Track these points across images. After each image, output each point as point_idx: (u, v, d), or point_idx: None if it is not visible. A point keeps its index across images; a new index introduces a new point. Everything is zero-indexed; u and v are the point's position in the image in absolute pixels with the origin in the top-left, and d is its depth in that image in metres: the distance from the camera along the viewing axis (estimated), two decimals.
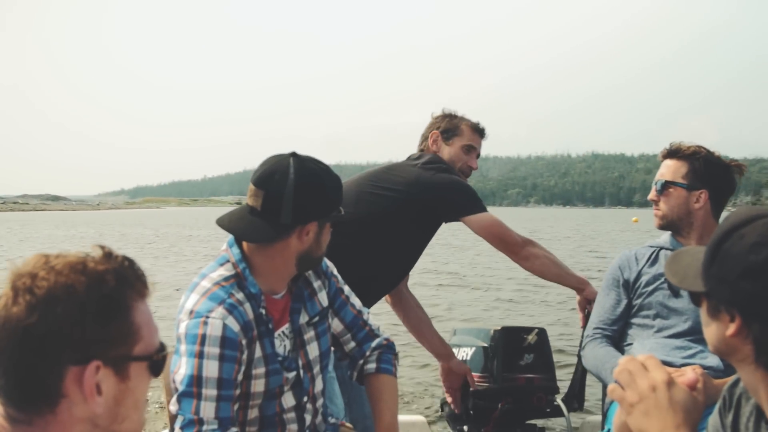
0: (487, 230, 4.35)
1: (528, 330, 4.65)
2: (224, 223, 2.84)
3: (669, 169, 3.79)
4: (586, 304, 4.34)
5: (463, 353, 4.71)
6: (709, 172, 3.73)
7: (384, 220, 4.28)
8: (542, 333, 4.67)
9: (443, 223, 4.51)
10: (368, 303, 4.30)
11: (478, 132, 4.66)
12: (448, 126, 4.62)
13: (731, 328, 1.72)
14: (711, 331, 1.81)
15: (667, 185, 3.77)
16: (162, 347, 1.69)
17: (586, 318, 4.29)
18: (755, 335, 1.68)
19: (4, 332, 1.51)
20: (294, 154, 2.80)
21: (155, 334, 1.67)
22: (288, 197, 2.71)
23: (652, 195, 3.84)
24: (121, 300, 1.59)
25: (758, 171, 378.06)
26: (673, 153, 3.80)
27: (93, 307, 1.54)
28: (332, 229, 2.91)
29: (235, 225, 2.81)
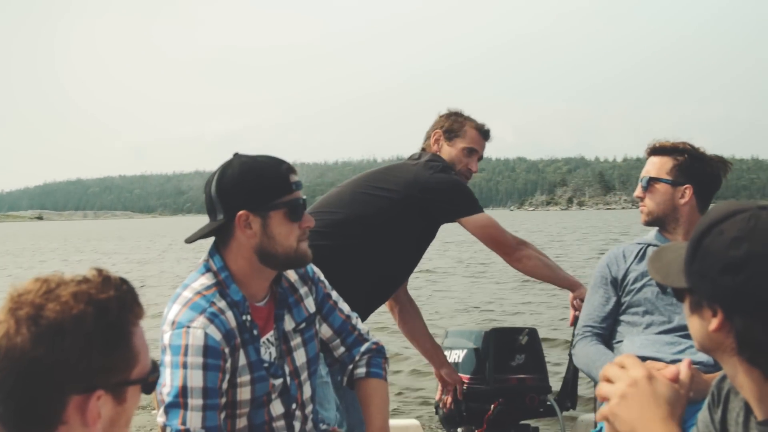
0: (483, 231, 4.36)
1: (519, 330, 4.66)
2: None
3: (654, 166, 3.81)
4: (579, 302, 4.32)
5: (455, 355, 4.71)
6: (693, 167, 3.75)
7: (380, 221, 4.24)
8: (533, 333, 4.68)
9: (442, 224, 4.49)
10: (370, 306, 4.32)
11: (482, 134, 4.63)
12: (452, 126, 4.57)
13: (714, 323, 1.71)
14: (694, 326, 1.81)
15: (652, 181, 3.79)
16: (155, 367, 1.68)
17: (576, 317, 4.29)
18: (737, 329, 1.68)
19: (6, 362, 1.49)
20: (235, 154, 2.83)
21: (148, 354, 1.66)
22: (214, 195, 2.75)
23: (638, 192, 3.86)
24: (124, 327, 1.58)
25: (553, 171, 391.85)
26: (658, 149, 3.82)
27: (99, 338, 1.52)
28: (304, 224, 2.83)
29: (191, 234, 2.86)
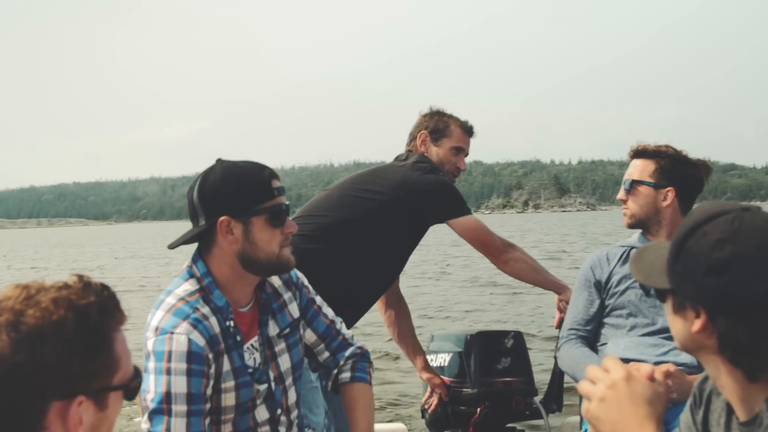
0: (471, 234, 4.36)
1: (504, 334, 4.66)
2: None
3: (636, 169, 3.81)
4: (565, 305, 4.32)
5: (441, 359, 4.71)
6: (675, 170, 3.76)
7: (369, 224, 4.23)
8: (518, 336, 4.68)
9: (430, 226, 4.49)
10: (360, 309, 4.33)
11: (467, 131, 4.62)
12: (437, 126, 4.56)
13: (697, 324, 1.73)
14: (677, 327, 1.82)
15: (634, 184, 3.79)
16: (137, 373, 1.68)
17: (562, 320, 4.31)
18: (721, 331, 1.69)
19: None
20: (217, 160, 2.83)
21: (130, 360, 1.66)
22: (196, 200, 2.75)
23: (621, 194, 3.87)
24: (104, 332, 1.57)
25: (509, 174, 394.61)
26: (641, 152, 3.83)
27: (80, 344, 1.51)
28: (287, 230, 2.82)
29: (174, 240, 2.86)
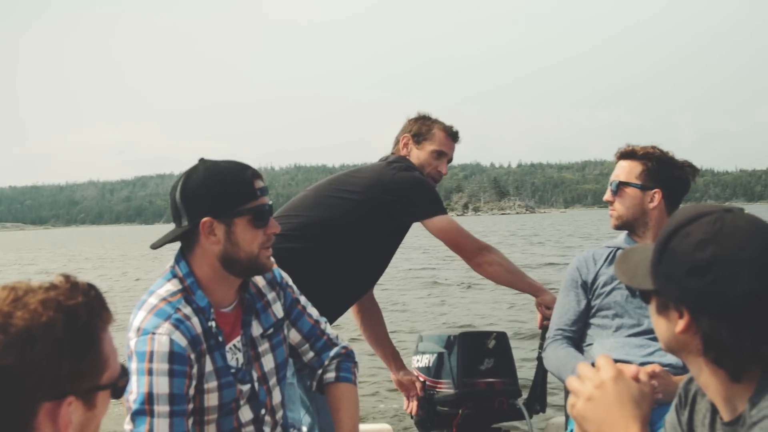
0: (445, 234, 4.33)
1: (488, 334, 4.63)
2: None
3: (623, 170, 3.81)
4: (544, 309, 4.34)
5: (426, 360, 4.70)
6: (662, 171, 3.75)
7: (345, 223, 4.22)
8: (502, 337, 4.65)
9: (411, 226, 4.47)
10: (338, 308, 4.31)
11: (451, 136, 4.59)
12: (420, 129, 4.54)
13: (680, 325, 1.75)
14: (661, 328, 1.84)
15: (621, 186, 3.78)
16: (124, 371, 1.68)
17: (543, 320, 4.33)
18: (704, 331, 1.71)
19: None
20: (200, 159, 2.82)
21: (117, 358, 1.66)
22: (179, 200, 2.74)
23: (607, 196, 3.86)
24: (93, 332, 1.57)
25: (449, 177, 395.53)
26: (628, 154, 3.82)
27: (69, 345, 1.51)
28: (269, 231, 2.81)
29: (157, 240, 2.85)
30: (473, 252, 4.35)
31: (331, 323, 4.02)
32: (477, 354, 4.55)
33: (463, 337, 4.58)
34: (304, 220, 4.22)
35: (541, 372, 4.47)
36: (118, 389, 1.65)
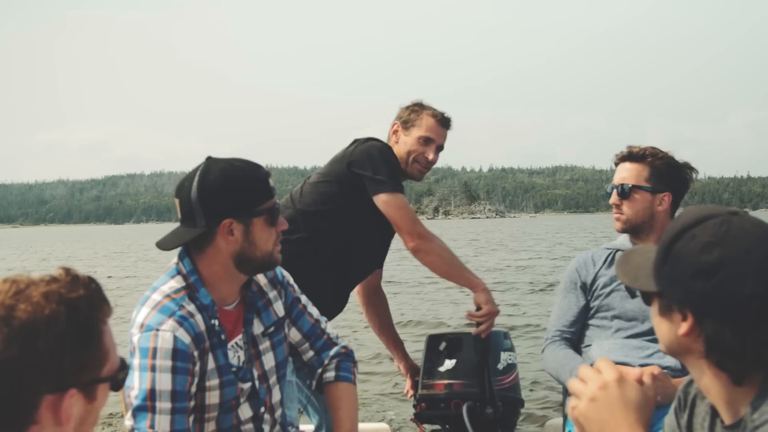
0: (389, 211, 4.17)
1: (451, 336, 4.52)
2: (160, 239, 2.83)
3: (631, 173, 3.75)
4: (473, 310, 4.21)
5: (418, 361, 4.71)
6: (671, 174, 3.73)
7: (326, 208, 4.21)
8: (467, 338, 4.45)
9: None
10: (333, 301, 4.29)
11: (441, 122, 4.48)
12: (409, 116, 4.47)
13: (683, 327, 1.74)
14: (663, 330, 1.83)
15: (633, 189, 3.72)
16: (123, 364, 1.68)
17: (475, 323, 4.20)
18: (707, 334, 1.70)
19: None
20: (208, 158, 2.80)
21: (117, 351, 1.66)
22: (195, 201, 2.70)
23: (614, 199, 3.78)
24: (94, 325, 1.57)
25: (420, 181, 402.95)
26: (633, 156, 3.77)
27: (71, 337, 1.50)
28: (279, 228, 2.82)
29: (163, 238, 2.81)
30: (412, 235, 4.19)
31: (331, 317, 4.01)
32: (437, 356, 4.48)
33: (429, 339, 4.56)
34: (292, 212, 4.21)
35: (486, 372, 4.29)
36: (117, 382, 1.65)
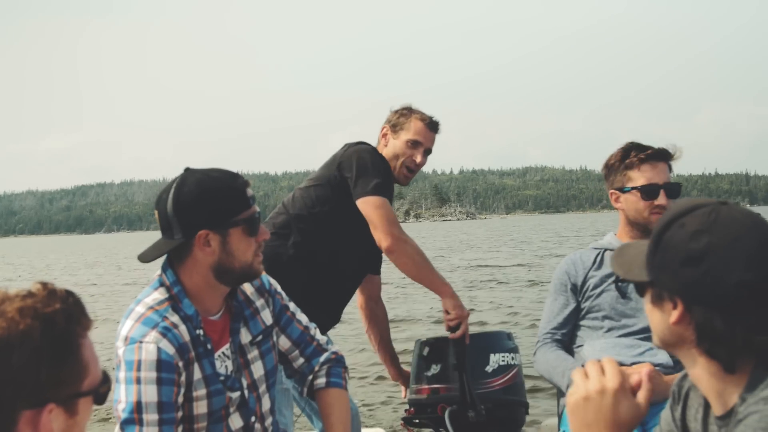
0: (367, 212, 4.18)
1: (441, 340, 4.47)
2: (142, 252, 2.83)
3: (665, 172, 3.70)
4: (445, 313, 4.25)
5: (409, 366, 4.71)
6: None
7: (318, 211, 4.24)
8: (456, 342, 4.40)
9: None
10: (332, 305, 4.34)
11: (429, 126, 4.50)
12: (398, 120, 4.49)
13: (674, 315, 1.76)
14: (655, 319, 1.85)
15: (679, 188, 3.69)
16: (106, 377, 1.67)
17: (450, 328, 4.24)
18: (697, 321, 1.72)
19: None
20: (186, 169, 2.78)
21: (99, 364, 1.65)
22: (171, 213, 2.69)
23: (662, 200, 3.65)
24: (72, 339, 1.57)
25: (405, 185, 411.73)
26: (663, 155, 3.71)
27: (47, 352, 1.51)
28: (260, 238, 2.80)
29: (144, 251, 2.80)
30: (387, 235, 4.18)
31: (328, 326, 3.99)
32: (425, 360, 4.46)
33: (419, 344, 4.54)
34: (285, 218, 4.25)
35: (464, 376, 4.28)
36: (100, 395, 1.64)
